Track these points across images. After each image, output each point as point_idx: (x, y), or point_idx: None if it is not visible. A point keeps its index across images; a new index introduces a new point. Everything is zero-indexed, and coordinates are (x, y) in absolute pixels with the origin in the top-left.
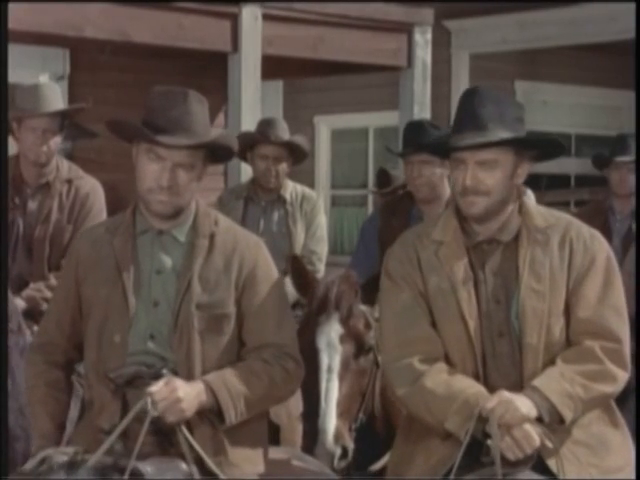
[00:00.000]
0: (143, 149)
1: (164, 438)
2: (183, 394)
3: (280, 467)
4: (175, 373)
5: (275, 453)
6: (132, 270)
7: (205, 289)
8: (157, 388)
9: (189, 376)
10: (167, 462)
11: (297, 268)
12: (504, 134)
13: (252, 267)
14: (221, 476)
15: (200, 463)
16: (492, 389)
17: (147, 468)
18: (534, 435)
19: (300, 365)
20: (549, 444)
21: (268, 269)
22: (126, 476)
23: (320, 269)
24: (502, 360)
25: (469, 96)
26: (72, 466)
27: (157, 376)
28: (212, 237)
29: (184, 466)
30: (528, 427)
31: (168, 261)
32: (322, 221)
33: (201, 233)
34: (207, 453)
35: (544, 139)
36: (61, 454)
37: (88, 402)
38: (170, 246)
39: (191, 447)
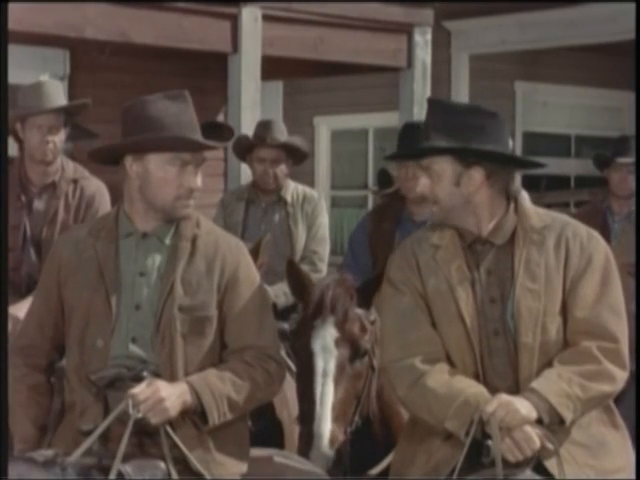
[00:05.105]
0: (161, 159)
1: (146, 439)
2: (166, 394)
3: (263, 464)
4: (157, 375)
5: (258, 451)
6: (115, 273)
7: (187, 292)
8: (139, 390)
9: (172, 378)
10: (146, 461)
11: (293, 271)
12: (441, 143)
13: (234, 270)
14: (206, 475)
15: (184, 463)
16: (489, 388)
17: (127, 468)
18: (534, 437)
19: (282, 366)
20: (549, 446)
21: (250, 272)
22: (112, 476)
23: (322, 269)
24: (498, 359)
25: (427, 106)
26: (52, 466)
27: (138, 378)
28: (194, 240)
29: (163, 465)
30: (528, 429)
31: (152, 264)
32: (324, 221)
33: (184, 236)
34: (191, 453)
35: (464, 148)
36: (41, 456)
37: (69, 405)
38: (154, 249)
39: (174, 447)
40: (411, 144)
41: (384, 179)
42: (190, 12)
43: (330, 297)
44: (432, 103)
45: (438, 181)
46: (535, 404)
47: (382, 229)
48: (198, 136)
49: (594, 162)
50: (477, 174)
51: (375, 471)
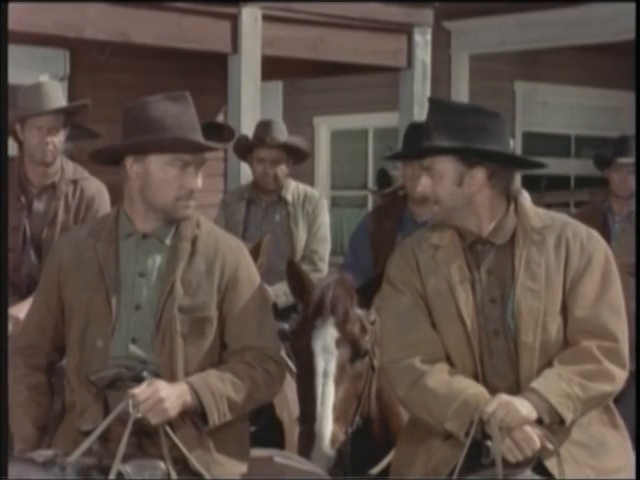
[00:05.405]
0: (161, 160)
1: (145, 439)
2: (166, 394)
3: (262, 464)
4: (157, 376)
5: (258, 452)
6: (115, 274)
7: (187, 292)
8: (139, 390)
9: (172, 379)
10: (146, 461)
11: (293, 272)
12: (443, 143)
13: (234, 270)
14: (206, 476)
15: (184, 463)
16: (490, 388)
17: (127, 468)
18: (534, 437)
19: (282, 367)
20: (549, 446)
21: (250, 272)
22: (112, 476)
23: (322, 269)
24: (499, 359)
25: (428, 106)
26: (52, 466)
27: (138, 378)
28: (194, 240)
29: (163, 465)
30: (528, 429)
31: (152, 264)
32: (324, 220)
33: (184, 236)
34: (191, 453)
35: (461, 148)
36: (40, 457)
37: (69, 405)
38: (155, 249)
39: (174, 447)
40: (417, 144)
41: (383, 179)
42: (190, 12)
43: (330, 297)
44: (433, 103)
45: (440, 181)
46: (535, 404)
47: (384, 229)
48: (199, 137)
49: (594, 162)
50: (479, 174)
51: (375, 470)
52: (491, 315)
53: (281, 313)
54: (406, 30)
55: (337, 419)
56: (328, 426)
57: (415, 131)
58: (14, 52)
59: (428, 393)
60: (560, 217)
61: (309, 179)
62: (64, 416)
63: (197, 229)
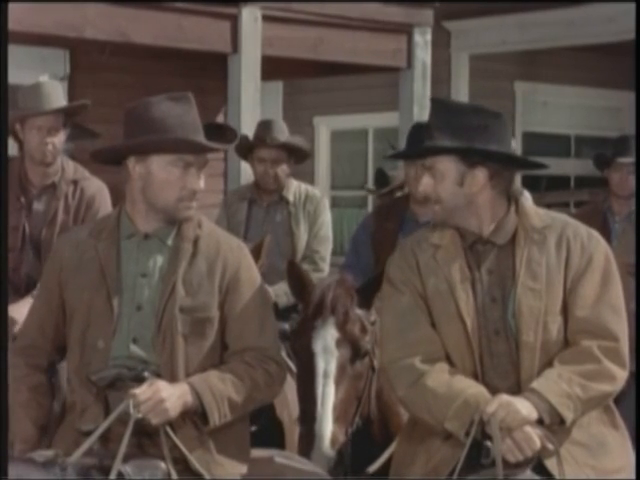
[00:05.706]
0: (164, 161)
1: (145, 439)
2: (166, 395)
3: (263, 465)
4: (158, 376)
5: (259, 452)
6: (116, 274)
7: (188, 292)
8: (140, 390)
9: (172, 379)
10: (146, 461)
11: (293, 272)
12: (445, 142)
13: (235, 271)
14: (206, 476)
15: (184, 463)
16: (490, 388)
17: (127, 468)
18: (534, 437)
19: (282, 367)
20: (549, 446)
21: (251, 273)
22: (112, 476)
23: (323, 269)
24: (499, 359)
25: (430, 106)
26: (52, 467)
27: (139, 378)
28: (196, 241)
29: (163, 465)
30: (529, 429)
31: (153, 265)
32: (326, 220)
33: (185, 237)
34: (192, 453)
35: (460, 147)
36: (40, 457)
37: (70, 405)
38: (156, 250)
39: (174, 447)
40: (419, 144)
41: (381, 179)
42: (189, 12)
43: (330, 298)
44: (435, 103)
45: (441, 180)
46: (535, 404)
47: (385, 229)
48: (201, 138)
49: (594, 162)
50: (481, 174)
51: (374, 468)
52: (491, 315)
53: (281, 313)
54: (406, 30)
55: (337, 419)
56: (328, 426)
57: (419, 131)
58: (14, 52)
59: (428, 393)
60: (560, 217)
61: (309, 179)
62: (64, 416)
63: (198, 229)
